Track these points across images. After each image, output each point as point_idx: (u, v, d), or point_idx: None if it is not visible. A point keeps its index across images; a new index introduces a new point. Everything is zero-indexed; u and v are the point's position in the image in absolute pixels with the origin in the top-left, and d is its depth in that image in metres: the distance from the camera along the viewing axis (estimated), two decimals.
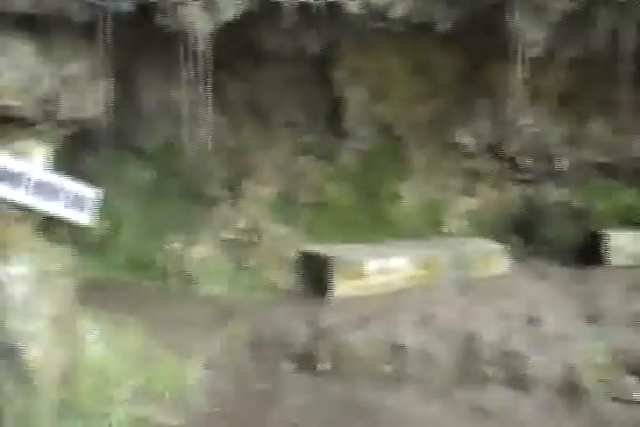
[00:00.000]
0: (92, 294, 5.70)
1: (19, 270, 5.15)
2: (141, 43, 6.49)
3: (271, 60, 7.58)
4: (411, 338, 6.19)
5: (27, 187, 5.39)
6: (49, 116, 5.59)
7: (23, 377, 4.77)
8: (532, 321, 6.47)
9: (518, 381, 5.91)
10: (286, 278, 7.37)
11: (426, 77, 8.30)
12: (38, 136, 5.63)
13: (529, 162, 8.54)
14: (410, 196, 8.44)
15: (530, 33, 6.50)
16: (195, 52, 5.76)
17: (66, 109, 5.66)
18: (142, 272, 7.24)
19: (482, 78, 8.14)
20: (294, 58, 7.30)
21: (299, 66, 7.83)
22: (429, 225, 8.45)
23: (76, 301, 5.50)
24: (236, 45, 6.73)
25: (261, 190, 7.93)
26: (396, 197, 8.42)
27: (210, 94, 6.07)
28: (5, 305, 4.95)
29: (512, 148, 8.50)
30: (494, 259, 7.82)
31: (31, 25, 5.23)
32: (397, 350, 6.11)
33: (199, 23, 5.59)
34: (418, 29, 6.64)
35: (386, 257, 7.26)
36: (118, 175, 7.41)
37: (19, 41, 5.31)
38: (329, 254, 7.20)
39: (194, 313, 6.44)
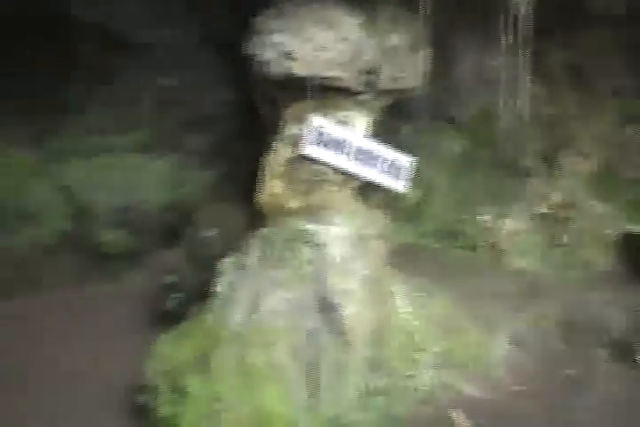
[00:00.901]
0: (402, 259, 5.84)
1: (339, 231, 5.49)
2: (459, 11, 6.42)
3: (597, 23, 6.99)
4: None
5: (349, 154, 5.66)
6: (370, 87, 5.75)
7: (339, 331, 5.07)
8: None
9: None
10: (603, 259, 6.83)
11: None
12: (360, 106, 5.83)
13: None
14: None
15: None
16: (515, 18, 5.52)
17: (386, 80, 5.77)
18: (451, 241, 7.27)
19: None
20: (623, 19, 6.61)
21: (629, 28, 7.10)
22: None
23: (387, 264, 5.69)
24: (560, 10, 6.31)
25: (580, 163, 7.40)
26: None
27: (529, 62, 5.78)
28: (327, 263, 5.31)
29: None
30: None
31: None
32: None
33: None
34: None
35: None
36: (432, 145, 7.47)
37: (346, 15, 5.54)
38: None
39: (501, 286, 6.27)
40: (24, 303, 7.67)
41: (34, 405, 5.77)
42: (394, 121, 7.09)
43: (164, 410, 5.00)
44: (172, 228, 7.99)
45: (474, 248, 7.15)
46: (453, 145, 7.73)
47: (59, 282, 7.94)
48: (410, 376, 5.13)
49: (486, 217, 7.23)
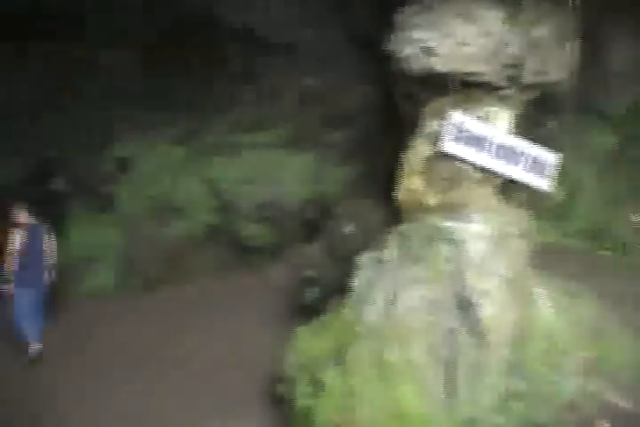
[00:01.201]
0: (545, 260, 5.60)
1: (478, 229, 5.37)
2: (610, 1, 6.07)
3: None
4: None
5: (490, 150, 5.52)
6: (513, 82, 5.59)
7: (477, 331, 4.97)
8: None
9: None
10: None
11: None
12: (502, 101, 5.67)
13: None
14: None
15: None
16: None
17: (530, 74, 5.59)
18: (598, 242, 6.89)
19: None
20: None
21: None
22: None
23: (529, 264, 5.49)
24: None
25: None
26: None
27: None
28: (465, 261, 5.22)
29: None
30: None
31: None
32: None
33: None
34: None
35: None
36: (579, 140, 7.11)
37: (488, 8, 5.41)
38: None
39: None
40: (173, 292, 8.18)
41: (179, 387, 6.15)
42: (538, 115, 6.80)
43: (300, 401, 5.16)
44: (312, 223, 8.18)
45: (623, 250, 6.73)
46: (603, 140, 7.31)
47: (204, 273, 8.39)
48: (553, 381, 4.92)
49: (638, 217, 6.79)
